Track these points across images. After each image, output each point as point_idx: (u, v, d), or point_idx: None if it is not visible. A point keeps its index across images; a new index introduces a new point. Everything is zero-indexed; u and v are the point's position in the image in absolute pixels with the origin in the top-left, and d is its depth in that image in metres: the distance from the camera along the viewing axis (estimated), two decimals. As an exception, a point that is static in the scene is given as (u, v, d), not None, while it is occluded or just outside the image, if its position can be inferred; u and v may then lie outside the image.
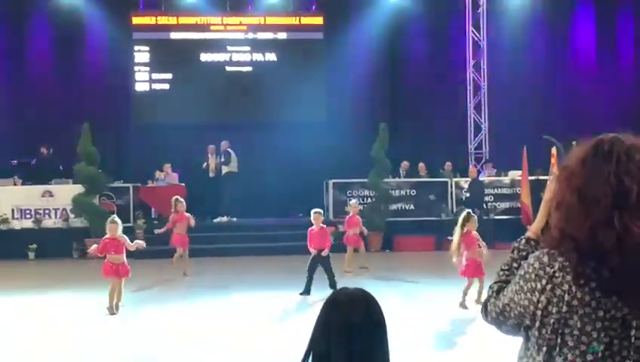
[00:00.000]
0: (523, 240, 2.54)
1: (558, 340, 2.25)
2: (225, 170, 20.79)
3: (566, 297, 2.23)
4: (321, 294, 12.00)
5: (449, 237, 19.78)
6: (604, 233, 2.17)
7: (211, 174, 21.24)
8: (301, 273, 13.16)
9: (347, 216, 16.36)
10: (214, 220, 19.83)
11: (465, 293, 11.22)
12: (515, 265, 2.49)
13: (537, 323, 2.28)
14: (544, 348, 2.27)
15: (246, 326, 10.15)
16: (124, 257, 11.33)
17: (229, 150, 20.86)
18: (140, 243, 11.85)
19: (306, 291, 12.59)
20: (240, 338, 9.35)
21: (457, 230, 11.20)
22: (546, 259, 2.29)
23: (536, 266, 2.30)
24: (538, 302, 2.27)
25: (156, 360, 8.40)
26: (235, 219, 20.64)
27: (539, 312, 2.27)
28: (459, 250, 11.03)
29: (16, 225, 19.35)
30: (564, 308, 2.23)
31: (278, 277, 14.86)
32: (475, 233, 11.47)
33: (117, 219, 11.63)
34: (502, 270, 2.53)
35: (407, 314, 10.71)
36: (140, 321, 10.64)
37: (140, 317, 10.93)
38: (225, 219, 20.41)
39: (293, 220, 20.80)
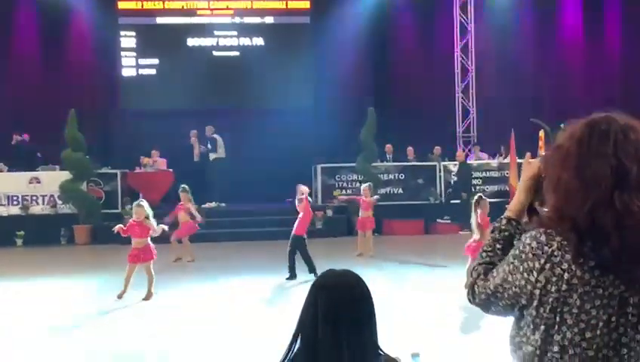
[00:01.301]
0: (504, 221, 2.51)
1: (557, 319, 2.24)
2: (212, 156, 20.75)
3: (565, 276, 2.23)
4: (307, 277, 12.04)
5: (439, 220, 20.06)
6: (605, 213, 2.18)
7: (196, 159, 21.19)
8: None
9: (361, 199, 16.11)
10: (203, 206, 19.76)
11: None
12: (498, 246, 2.47)
13: (535, 303, 2.27)
14: (542, 327, 2.26)
15: (234, 311, 10.15)
16: (149, 241, 11.17)
17: (215, 136, 20.81)
18: (164, 227, 11.75)
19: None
20: (228, 324, 9.34)
21: (473, 214, 11.19)
22: (543, 238, 2.28)
23: (533, 246, 2.28)
24: (536, 281, 2.26)
25: (144, 349, 8.39)
26: (223, 205, 20.62)
27: (537, 291, 2.26)
28: (479, 231, 11.00)
29: (4, 211, 19.28)
30: (564, 287, 2.23)
31: (266, 262, 14.83)
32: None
33: (143, 203, 11.52)
34: (484, 251, 2.50)
35: (397, 297, 10.72)
36: (126, 307, 10.62)
37: (126, 302, 10.88)
38: (214, 204, 20.38)
39: (282, 206, 20.80)
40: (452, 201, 20.64)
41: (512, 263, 2.33)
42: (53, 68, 22.69)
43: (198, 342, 8.42)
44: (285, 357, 2.53)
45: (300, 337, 2.51)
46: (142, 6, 22.79)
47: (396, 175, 21.11)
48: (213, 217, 19.34)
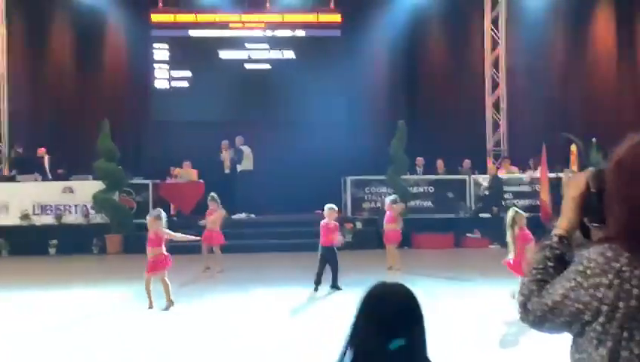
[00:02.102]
0: (555, 238, 2.49)
1: (625, 334, 2.24)
2: (239, 168, 20.89)
3: (635, 291, 2.23)
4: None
5: (468, 235, 20.00)
6: None
7: (226, 170, 21.37)
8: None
9: (386, 213, 16.10)
10: (233, 216, 19.85)
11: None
12: (549, 264, 2.45)
13: (602, 319, 2.26)
14: (608, 343, 2.25)
15: (265, 322, 10.19)
16: (162, 250, 11.26)
17: (242, 147, 20.94)
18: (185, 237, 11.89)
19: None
20: (259, 336, 9.38)
21: (508, 230, 11.09)
22: (610, 253, 2.28)
23: (600, 261, 2.28)
24: (604, 297, 2.26)
25: (172, 356, 8.46)
26: (253, 216, 20.71)
27: (604, 307, 2.26)
28: (515, 248, 10.92)
29: (37, 221, 19.49)
30: (633, 303, 2.23)
31: (297, 273, 14.87)
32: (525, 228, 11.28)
33: (152, 213, 11.67)
34: (535, 269, 2.47)
35: (433, 311, 10.69)
36: (152, 317, 10.70)
37: (152, 313, 10.96)
38: (244, 215, 20.48)
39: (311, 217, 20.82)
40: (482, 215, 20.58)
41: (575, 279, 2.32)
42: (87, 79, 22.98)
43: (227, 354, 8.47)
44: (338, 367, 2.58)
45: (350, 348, 2.55)
46: (175, 19, 23.02)
47: (426, 188, 21.08)
48: (243, 228, 19.46)
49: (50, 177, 20.42)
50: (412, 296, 2.60)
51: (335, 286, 12.69)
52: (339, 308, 11.18)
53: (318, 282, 12.60)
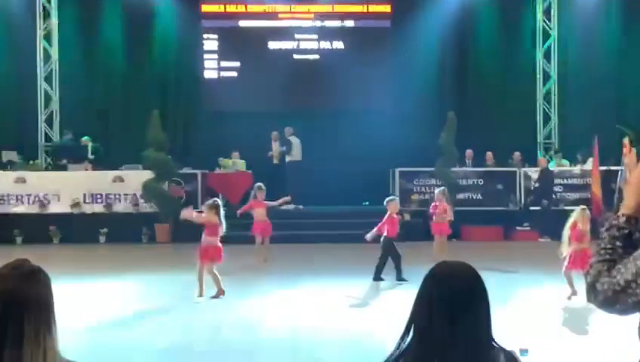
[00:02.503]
0: (623, 218, 2.44)
1: None
2: (287, 158, 20.93)
3: None
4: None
5: (518, 227, 19.81)
6: None
7: (275, 161, 21.42)
8: (369, 260, 13.17)
9: (433, 203, 16.03)
10: (282, 208, 19.86)
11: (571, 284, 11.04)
12: (618, 243, 2.41)
13: None
14: None
15: (322, 313, 10.18)
16: (216, 241, 11.26)
17: (290, 138, 20.96)
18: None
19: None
20: (316, 326, 9.36)
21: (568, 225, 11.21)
22: None
23: None
24: None
25: (226, 345, 8.47)
26: (301, 207, 20.72)
27: None
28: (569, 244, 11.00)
29: (88, 209, 19.71)
30: None
31: (347, 264, 14.87)
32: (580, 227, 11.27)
33: (210, 202, 11.71)
34: (603, 248, 2.43)
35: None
36: (204, 306, 10.73)
37: (204, 302, 11.00)
38: (292, 207, 20.50)
39: (360, 208, 20.82)
40: (532, 208, 20.35)
41: None
42: (138, 69, 23.13)
43: (284, 344, 8.46)
44: (397, 348, 2.54)
45: (412, 328, 2.51)
46: (225, 9, 23.06)
47: (475, 180, 20.89)
48: (292, 219, 19.47)
49: (91, 166, 20.56)
50: (476, 275, 2.56)
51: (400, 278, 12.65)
52: (391, 299, 11.17)
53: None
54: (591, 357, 7.60)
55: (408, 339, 2.52)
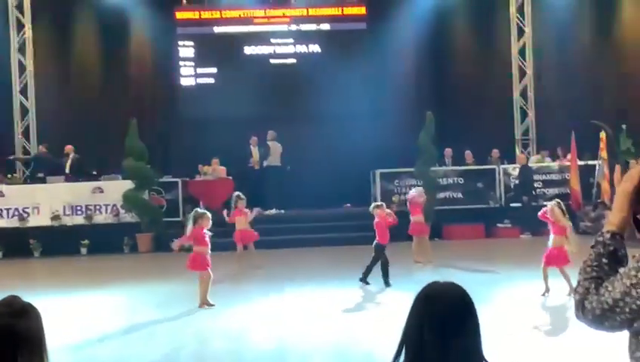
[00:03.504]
0: (608, 235, 2.45)
1: None
2: (264, 163, 20.92)
3: None
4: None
5: (499, 224, 19.93)
6: None
7: (256, 166, 21.40)
8: (353, 264, 13.18)
9: (409, 205, 16.02)
10: (264, 213, 19.86)
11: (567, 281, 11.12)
12: (604, 260, 2.42)
13: None
14: None
15: (310, 320, 10.17)
16: (205, 250, 11.22)
17: (269, 143, 20.94)
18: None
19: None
20: (304, 333, 9.36)
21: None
22: None
23: None
24: None
25: (213, 355, 8.46)
26: (282, 211, 20.71)
27: None
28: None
29: (68, 221, 19.61)
30: None
31: (331, 269, 14.87)
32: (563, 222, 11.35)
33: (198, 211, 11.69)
34: (589, 266, 2.44)
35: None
36: (192, 316, 10.71)
37: (191, 312, 10.98)
38: (274, 211, 20.49)
39: (341, 211, 20.88)
40: (512, 205, 20.48)
41: (636, 276, 2.29)
42: (113, 78, 23.06)
43: (271, 353, 8.45)
44: (391, 368, 2.56)
45: (404, 348, 2.53)
46: (199, 16, 23.02)
47: (455, 179, 21.00)
48: (273, 224, 19.46)
49: (71, 176, 20.43)
50: (465, 296, 2.58)
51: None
52: (377, 305, 11.19)
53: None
54: (570, 356, 7.65)
55: (401, 360, 2.54)
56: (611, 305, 2.33)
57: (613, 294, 2.33)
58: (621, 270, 2.37)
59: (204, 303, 11.09)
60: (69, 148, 20.94)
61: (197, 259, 11.18)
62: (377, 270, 12.62)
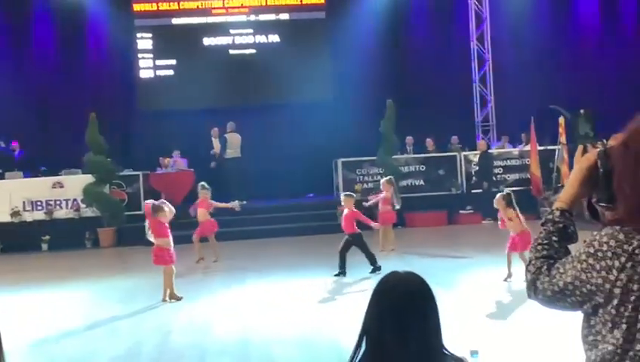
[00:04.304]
0: (557, 212, 2.48)
1: None
2: (224, 155, 20.84)
3: None
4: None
5: (461, 211, 20.07)
6: None
7: (216, 157, 21.29)
8: (316, 254, 13.18)
9: (380, 194, 15.99)
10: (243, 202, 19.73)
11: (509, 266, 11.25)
12: (554, 238, 2.45)
13: (615, 301, 2.25)
14: (623, 325, 2.25)
15: (271, 311, 10.17)
16: (166, 242, 11.06)
17: (227, 135, 20.84)
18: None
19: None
20: (265, 325, 9.35)
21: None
22: (622, 236, 2.27)
23: (612, 244, 2.27)
24: (617, 279, 2.25)
25: (176, 350, 8.43)
26: (244, 202, 20.63)
27: (617, 290, 2.25)
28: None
29: (28, 217, 19.37)
30: None
31: (294, 259, 14.87)
32: (510, 213, 11.44)
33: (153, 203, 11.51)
34: (539, 244, 2.46)
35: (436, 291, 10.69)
36: (154, 311, 10.66)
37: (153, 307, 10.92)
38: (236, 202, 20.38)
39: (304, 201, 20.88)
40: (474, 191, 20.64)
41: (586, 261, 2.31)
42: (72, 71, 22.78)
43: (236, 345, 8.44)
44: (351, 361, 2.56)
45: (365, 339, 2.53)
46: (157, 7, 22.84)
47: (417, 167, 21.10)
48: (236, 215, 19.37)
49: (18, 172, 20.16)
50: (424, 285, 2.59)
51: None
52: (343, 293, 11.21)
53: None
54: (531, 340, 7.73)
55: (361, 351, 2.54)
56: (562, 288, 2.36)
57: (564, 277, 2.35)
58: (572, 252, 2.39)
59: (174, 297, 11.03)
60: (15, 144, 20.70)
61: (161, 254, 11.10)
62: (353, 259, 12.59)
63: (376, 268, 12.37)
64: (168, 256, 11.07)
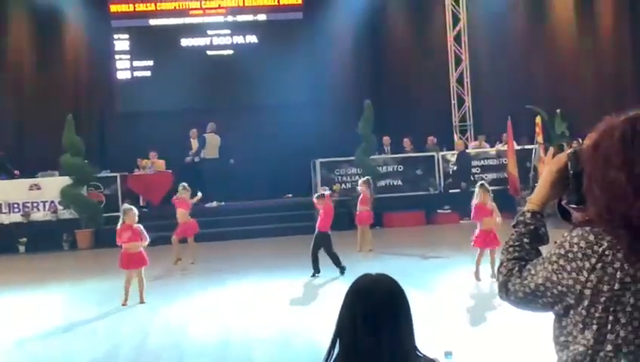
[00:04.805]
0: (528, 214, 2.50)
1: (610, 318, 2.25)
2: (202, 155, 20.81)
3: (618, 275, 2.24)
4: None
5: (439, 211, 20.15)
6: None
7: (196, 159, 21.25)
8: (294, 255, 13.20)
9: (359, 195, 16.08)
10: (205, 205, 19.74)
11: (477, 264, 11.28)
12: (525, 240, 2.47)
13: (586, 302, 2.28)
14: (594, 326, 2.27)
15: (250, 313, 10.18)
16: (136, 246, 11.03)
17: (205, 135, 20.82)
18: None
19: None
20: (243, 329, 9.36)
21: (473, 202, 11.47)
22: (592, 237, 2.29)
23: (582, 245, 2.29)
24: (587, 280, 2.27)
25: (153, 352, 8.43)
26: (223, 203, 20.64)
27: (587, 291, 2.27)
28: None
29: (5, 219, 19.23)
30: (617, 286, 2.24)
31: (272, 260, 14.88)
32: (490, 204, 11.48)
33: (125, 206, 11.50)
34: (511, 246, 2.49)
35: (412, 291, 10.74)
36: (131, 314, 10.63)
37: (129, 309, 10.89)
38: (214, 203, 20.40)
39: (283, 202, 20.90)
40: (451, 191, 20.73)
41: (557, 262, 2.33)
42: (48, 73, 22.61)
43: (214, 347, 8.44)
44: (325, 363, 2.58)
45: (338, 342, 2.55)
46: (134, 8, 22.68)
47: (395, 167, 21.16)
48: (214, 216, 19.36)
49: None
50: (397, 287, 2.61)
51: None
52: (320, 294, 11.23)
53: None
54: (505, 340, 7.79)
55: (335, 353, 2.56)
56: (533, 289, 2.38)
57: (535, 279, 2.38)
58: (544, 254, 2.42)
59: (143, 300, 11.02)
60: None
61: (127, 257, 11.06)
62: (325, 259, 12.61)
63: (342, 269, 12.41)
64: (142, 258, 11.05)
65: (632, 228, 2.22)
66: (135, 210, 11.30)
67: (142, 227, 11.22)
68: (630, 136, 2.28)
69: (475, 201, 11.52)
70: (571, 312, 2.33)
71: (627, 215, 2.23)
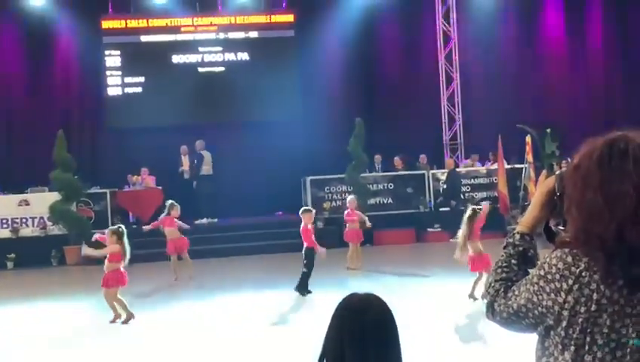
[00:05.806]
0: (517, 236, 2.52)
1: (587, 339, 2.26)
2: (201, 171, 20.81)
3: (595, 296, 2.25)
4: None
5: (429, 229, 20.14)
6: (632, 230, 2.20)
7: (186, 176, 21.25)
8: (284, 271, 13.16)
9: (346, 211, 16.13)
10: (195, 222, 19.70)
11: (474, 284, 11.20)
12: (513, 261, 2.49)
13: (564, 323, 2.29)
14: (572, 347, 2.28)
15: (239, 330, 10.14)
16: (119, 266, 10.97)
17: (202, 153, 20.84)
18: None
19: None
20: (234, 346, 9.33)
21: (464, 226, 11.22)
22: (570, 259, 2.30)
23: (560, 267, 2.31)
24: (565, 302, 2.28)
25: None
26: (215, 220, 20.60)
27: (565, 312, 2.28)
28: (465, 246, 11.07)
29: (-7, 235, 19.18)
30: (594, 307, 2.25)
31: (264, 276, 14.85)
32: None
33: (114, 228, 11.44)
34: (499, 267, 2.50)
35: (401, 310, 10.71)
36: (122, 332, 10.58)
37: (121, 329, 10.83)
38: (205, 221, 20.37)
39: (273, 219, 20.87)
40: (442, 209, 20.74)
41: (537, 283, 2.35)
42: (40, 89, 22.59)
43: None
44: (312, 383, 2.56)
45: (325, 360, 2.53)
46: (126, 24, 22.68)
47: (385, 185, 21.17)
48: (205, 233, 19.32)
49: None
50: (385, 308, 2.59)
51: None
52: (310, 311, 11.20)
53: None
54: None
55: None
56: (516, 310, 2.40)
57: (518, 299, 2.39)
58: (528, 275, 2.43)
59: (130, 315, 10.93)
60: None
61: (111, 276, 10.98)
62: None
63: (302, 291, 12.34)
64: (122, 276, 11.00)
65: (607, 249, 2.23)
66: (116, 231, 11.22)
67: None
68: (607, 158, 2.29)
69: (470, 253, 11.34)
70: (552, 333, 2.35)
71: (603, 236, 2.23)
